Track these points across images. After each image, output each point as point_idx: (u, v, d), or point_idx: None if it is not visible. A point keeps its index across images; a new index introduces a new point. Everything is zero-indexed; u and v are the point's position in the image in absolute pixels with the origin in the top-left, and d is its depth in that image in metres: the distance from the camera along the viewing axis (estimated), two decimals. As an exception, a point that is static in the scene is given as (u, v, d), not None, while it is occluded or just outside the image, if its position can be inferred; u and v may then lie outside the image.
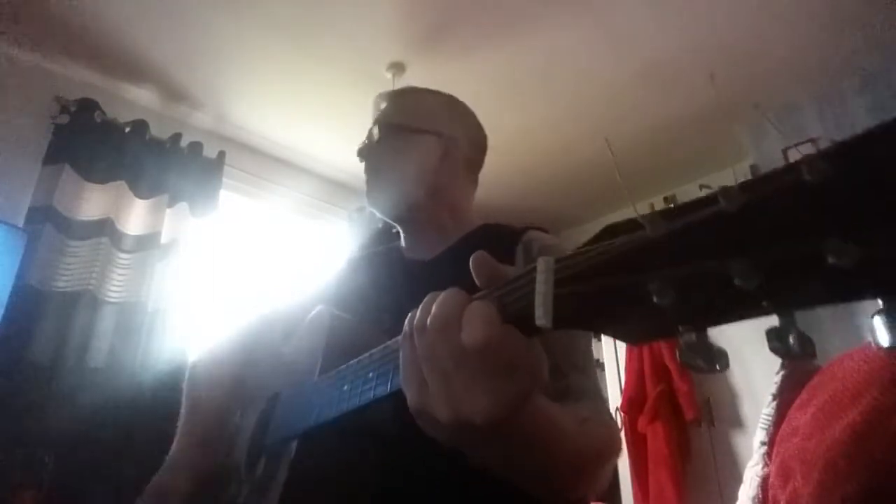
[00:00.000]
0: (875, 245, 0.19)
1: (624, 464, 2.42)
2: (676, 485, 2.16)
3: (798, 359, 0.24)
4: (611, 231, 0.28)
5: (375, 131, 0.85)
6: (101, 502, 1.67)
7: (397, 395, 0.41)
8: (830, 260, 0.19)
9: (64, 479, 1.63)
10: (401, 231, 0.89)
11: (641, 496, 2.28)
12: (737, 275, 0.22)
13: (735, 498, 0.96)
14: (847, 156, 0.19)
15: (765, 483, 0.84)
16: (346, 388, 0.49)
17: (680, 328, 0.25)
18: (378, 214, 0.87)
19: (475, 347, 0.32)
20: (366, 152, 0.86)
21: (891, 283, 0.19)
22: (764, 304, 0.22)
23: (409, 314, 0.39)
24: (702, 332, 0.25)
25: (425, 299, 0.38)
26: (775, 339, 0.22)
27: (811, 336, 0.22)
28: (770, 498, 0.78)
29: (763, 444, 0.92)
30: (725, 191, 0.22)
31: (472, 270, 0.36)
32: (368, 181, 0.85)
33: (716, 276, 0.22)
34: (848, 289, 0.20)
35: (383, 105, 0.89)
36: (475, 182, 0.92)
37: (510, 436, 0.37)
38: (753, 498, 0.84)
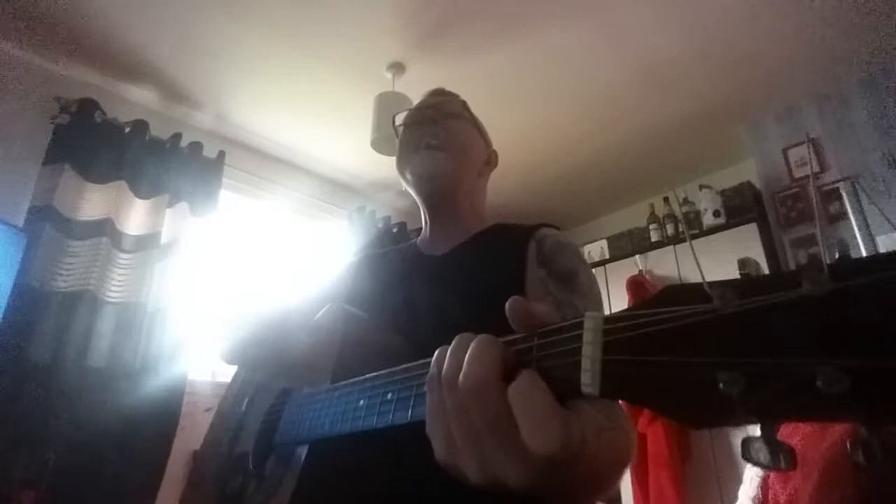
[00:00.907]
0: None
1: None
2: (676, 485, 2.16)
3: (885, 473, 0.22)
4: (670, 294, 0.25)
5: (458, 106, 0.86)
6: (101, 502, 1.67)
7: (414, 424, 0.39)
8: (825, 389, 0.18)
9: (64, 479, 1.63)
10: (424, 217, 0.89)
11: (641, 496, 2.28)
12: (822, 378, 0.19)
13: (735, 498, 0.97)
14: (850, 277, 0.18)
15: (765, 483, 0.84)
16: (361, 403, 0.48)
17: (744, 419, 0.23)
18: (414, 185, 0.84)
19: (517, 409, 0.30)
20: (443, 117, 0.84)
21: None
22: (852, 410, 0.19)
23: (438, 351, 0.36)
24: (769, 427, 0.23)
25: (455, 342, 0.35)
26: (859, 451, 0.20)
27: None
28: (770, 498, 0.78)
29: (763, 444, 0.92)
30: (810, 272, 0.20)
31: (507, 315, 0.33)
32: (429, 148, 0.81)
33: (798, 373, 0.20)
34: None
35: (447, 98, 0.90)
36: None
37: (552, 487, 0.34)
38: (753, 498, 0.84)
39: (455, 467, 0.34)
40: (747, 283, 0.22)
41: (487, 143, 0.91)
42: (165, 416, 1.89)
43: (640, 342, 0.25)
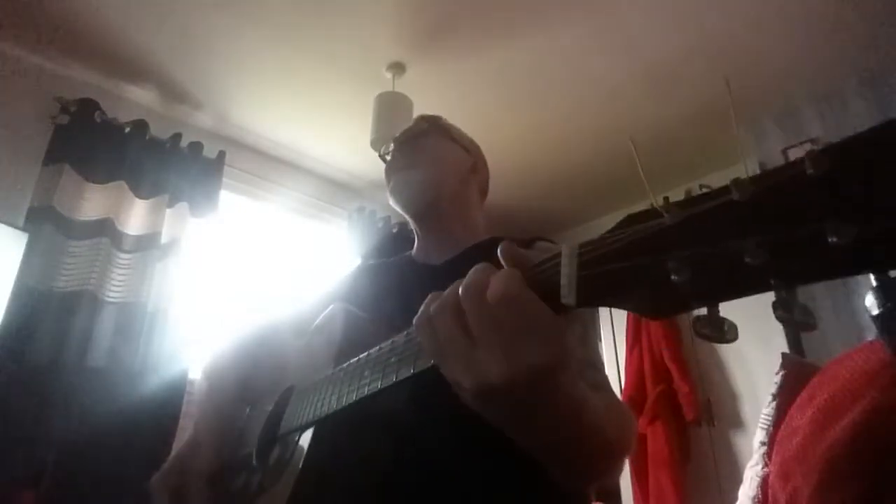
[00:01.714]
0: (868, 225, 0.21)
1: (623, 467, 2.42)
2: (676, 485, 2.16)
3: (800, 327, 0.26)
4: (631, 219, 0.30)
5: (424, 125, 0.90)
6: (101, 502, 1.67)
7: (416, 382, 0.42)
8: (830, 238, 0.22)
9: (64, 479, 1.63)
10: (415, 230, 0.91)
11: (641, 496, 2.28)
12: (747, 253, 0.24)
13: (735, 498, 0.97)
14: (844, 152, 0.22)
15: (765, 483, 0.84)
16: (366, 373, 0.50)
17: (694, 303, 0.28)
18: (399, 206, 0.88)
19: (495, 298, 0.34)
20: (410, 140, 0.89)
21: (882, 259, 0.22)
22: (771, 280, 0.25)
23: (425, 302, 0.41)
24: (713, 306, 0.28)
25: (429, 296, 0.41)
26: (780, 309, 0.25)
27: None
28: (770, 498, 0.78)
29: (763, 444, 0.92)
30: (737, 182, 0.25)
31: (499, 256, 0.38)
32: (401, 169, 0.87)
33: (728, 255, 0.25)
34: (845, 264, 0.23)
35: (420, 120, 0.93)
36: (483, 207, 0.98)
37: (537, 407, 0.38)
38: (753, 498, 0.84)
39: (453, 378, 0.38)
40: (692, 199, 0.28)
41: (468, 150, 0.93)
42: (165, 416, 1.89)
43: (607, 257, 0.31)
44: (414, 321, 0.41)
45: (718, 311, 0.28)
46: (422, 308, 0.41)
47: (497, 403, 0.37)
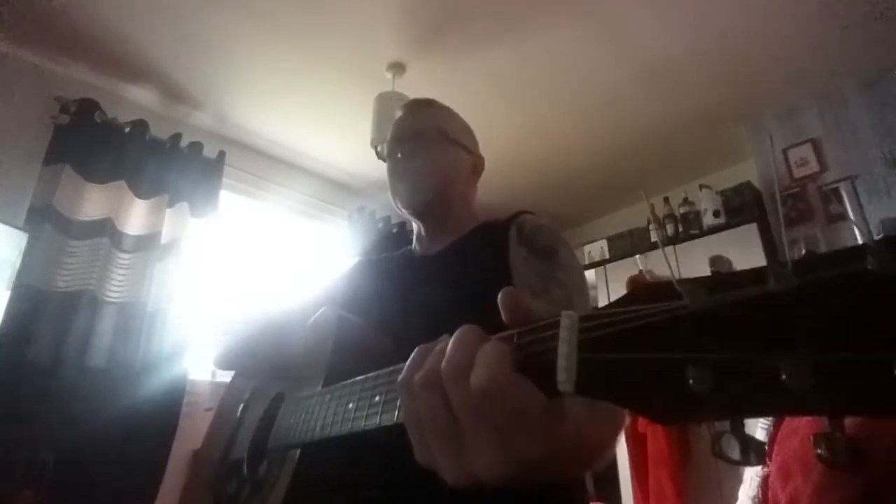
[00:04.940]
0: None
1: (624, 464, 2.42)
2: (676, 485, 2.16)
3: (845, 467, 0.20)
4: (643, 293, 0.26)
5: (426, 126, 0.88)
6: (101, 502, 1.67)
7: (402, 426, 0.39)
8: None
9: (64, 479, 1.63)
10: (416, 225, 0.91)
11: (641, 496, 2.28)
12: (786, 372, 0.19)
13: (735, 498, 0.96)
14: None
15: (765, 483, 0.84)
16: (350, 406, 0.48)
17: (712, 416, 0.23)
18: (401, 206, 0.87)
19: (479, 388, 0.30)
20: (411, 140, 0.87)
21: None
22: (813, 404, 0.20)
23: (415, 352, 0.37)
24: (738, 423, 0.23)
25: (414, 353, 0.37)
26: (823, 446, 0.20)
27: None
28: (770, 498, 0.78)
29: (763, 444, 0.92)
30: (776, 269, 0.20)
31: (500, 306, 0.33)
32: (404, 169, 0.86)
33: (762, 369, 0.20)
34: None
35: (421, 111, 0.92)
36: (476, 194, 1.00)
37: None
38: (753, 498, 0.84)
39: (432, 467, 0.34)
40: (716, 279, 0.23)
41: (470, 149, 0.92)
42: (165, 416, 1.89)
43: (614, 340, 0.26)
44: (398, 381, 0.37)
45: (743, 430, 0.22)
46: (405, 368, 0.37)
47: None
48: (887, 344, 0.17)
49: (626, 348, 0.25)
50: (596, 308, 0.29)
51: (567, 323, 0.28)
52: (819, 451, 0.20)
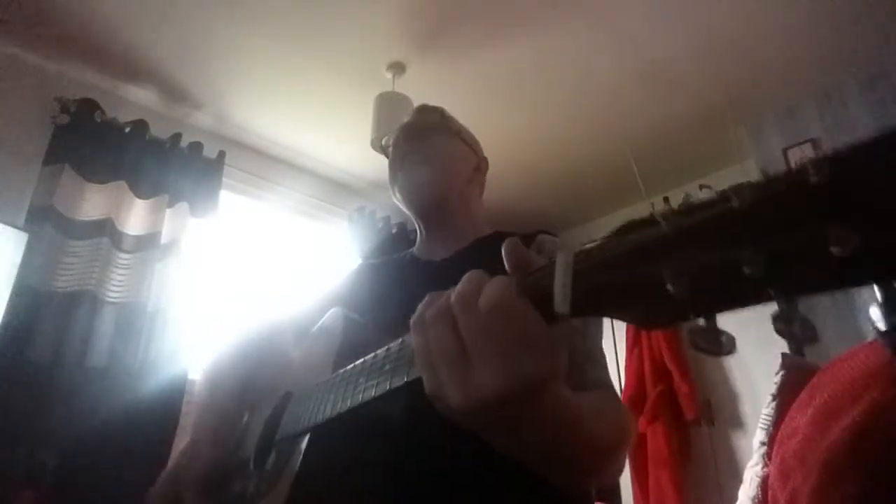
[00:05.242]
0: (872, 235, 0.21)
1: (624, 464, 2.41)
2: (676, 485, 2.16)
3: (800, 341, 0.25)
4: (628, 226, 0.30)
5: (434, 119, 0.89)
6: (101, 502, 1.67)
7: (412, 388, 0.41)
8: (833, 248, 0.21)
9: (64, 479, 1.63)
10: (418, 227, 0.91)
11: (641, 496, 2.28)
12: (745, 264, 0.24)
13: (735, 498, 0.97)
14: (847, 159, 0.22)
15: (765, 483, 0.84)
16: (361, 380, 0.50)
17: (691, 314, 0.27)
18: (404, 202, 0.87)
19: (486, 307, 0.34)
20: (420, 133, 0.87)
21: (886, 270, 0.21)
22: (770, 290, 0.24)
23: (421, 304, 0.40)
24: (711, 318, 0.27)
25: (426, 298, 0.40)
26: (780, 322, 0.24)
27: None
28: (770, 498, 0.78)
29: (763, 444, 0.93)
30: (737, 189, 0.24)
31: (503, 255, 0.37)
32: (410, 165, 0.85)
33: (726, 265, 0.24)
34: (847, 276, 0.22)
35: (430, 111, 0.92)
36: (483, 202, 0.99)
37: (527, 420, 0.37)
38: (753, 498, 0.84)
39: (441, 395, 0.36)
40: (690, 206, 0.26)
41: (475, 150, 0.93)
42: (165, 416, 1.89)
43: (603, 265, 0.30)
44: (410, 321, 0.40)
45: (716, 323, 0.27)
46: (418, 309, 0.40)
47: (485, 417, 0.36)
48: (821, 229, 0.21)
49: (614, 269, 0.29)
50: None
51: (562, 258, 0.33)
52: (777, 325, 0.24)
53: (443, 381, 0.36)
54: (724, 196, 0.25)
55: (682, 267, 0.26)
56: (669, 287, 0.26)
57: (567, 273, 0.32)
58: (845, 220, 0.21)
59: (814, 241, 0.22)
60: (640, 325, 0.30)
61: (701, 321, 0.27)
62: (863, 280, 0.22)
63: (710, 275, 0.25)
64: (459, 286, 0.37)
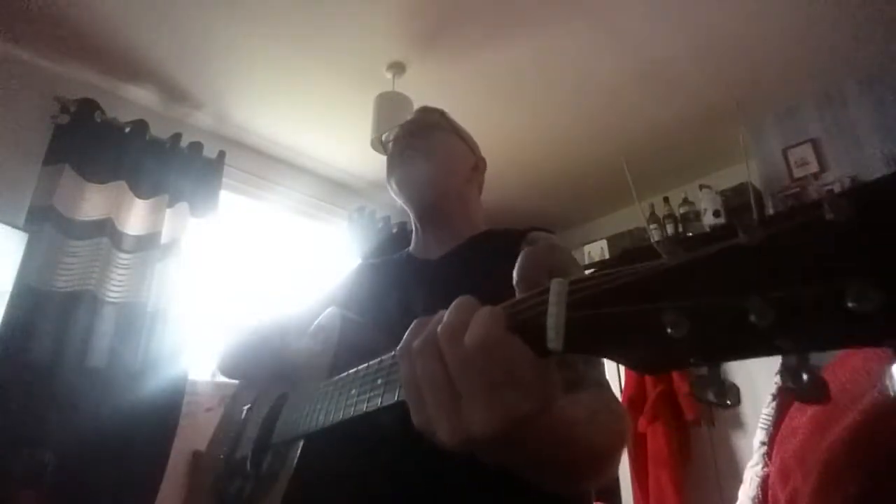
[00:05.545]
0: None
1: (624, 464, 2.42)
2: (676, 485, 2.16)
3: (810, 398, 0.22)
4: (628, 256, 0.27)
5: (435, 118, 0.90)
6: (101, 502, 1.67)
7: (404, 404, 0.40)
8: (850, 303, 0.19)
9: (64, 479, 1.63)
10: (415, 225, 0.91)
11: (641, 496, 2.28)
12: (753, 311, 0.21)
13: (735, 498, 0.96)
14: (870, 196, 0.19)
15: (765, 483, 0.84)
16: (353, 392, 0.50)
17: (692, 360, 0.25)
18: (403, 199, 0.87)
19: (473, 345, 0.32)
20: (421, 130, 0.88)
21: None
22: (778, 343, 0.22)
23: (413, 324, 0.39)
24: (714, 366, 0.25)
25: (412, 324, 0.38)
26: (788, 379, 0.22)
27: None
28: (770, 498, 0.78)
29: (763, 444, 0.92)
30: (745, 224, 0.22)
31: (516, 266, 0.36)
32: (409, 161, 0.86)
33: (731, 310, 0.22)
34: (866, 333, 0.20)
35: (430, 111, 0.94)
36: (480, 202, 0.99)
37: (519, 444, 0.36)
38: (753, 498, 0.84)
39: (429, 430, 0.35)
40: (693, 238, 0.24)
41: (473, 149, 0.94)
42: (166, 416, 1.89)
43: (599, 298, 0.27)
44: (396, 350, 0.39)
45: (719, 372, 0.24)
46: (405, 337, 0.38)
47: (475, 449, 0.34)
48: (838, 279, 0.19)
49: (610, 304, 0.27)
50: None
51: (557, 288, 0.30)
52: (784, 382, 0.22)
53: (430, 415, 0.35)
54: (730, 228, 0.23)
55: (683, 308, 0.24)
56: (669, 329, 0.24)
57: (561, 303, 0.29)
58: (866, 270, 0.19)
59: (829, 293, 0.19)
60: (636, 369, 0.28)
61: (704, 369, 0.25)
62: (885, 339, 0.19)
63: (714, 319, 0.23)
64: (447, 316, 0.35)
